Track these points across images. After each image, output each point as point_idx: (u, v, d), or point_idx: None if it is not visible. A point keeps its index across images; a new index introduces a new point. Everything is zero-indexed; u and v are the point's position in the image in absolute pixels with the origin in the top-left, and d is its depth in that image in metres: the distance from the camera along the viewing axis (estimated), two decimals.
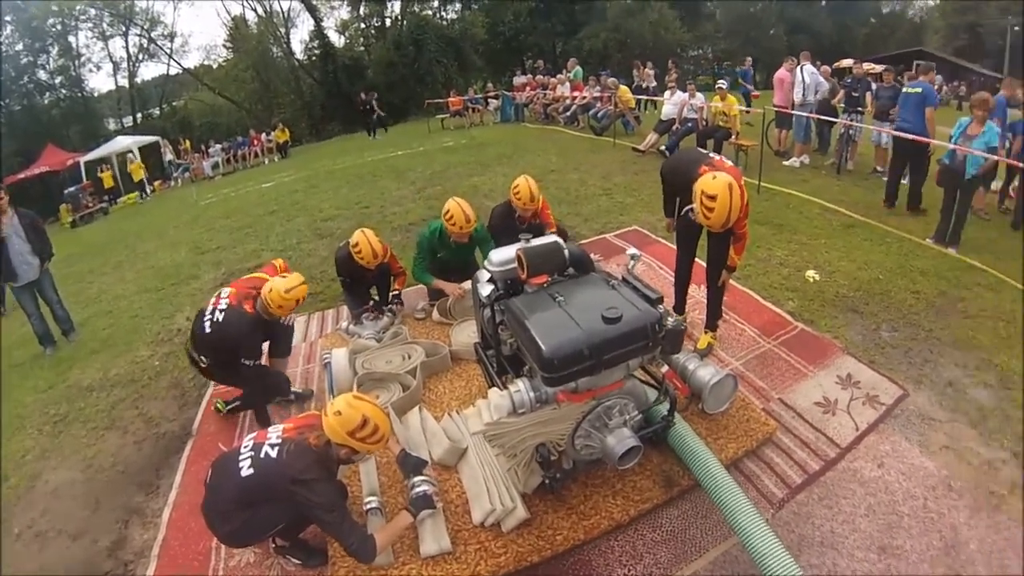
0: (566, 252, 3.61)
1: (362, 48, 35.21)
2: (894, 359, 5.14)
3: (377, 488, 3.76)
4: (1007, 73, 28.36)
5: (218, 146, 25.40)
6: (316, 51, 34.11)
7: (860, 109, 10.51)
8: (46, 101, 31.02)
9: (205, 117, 35.30)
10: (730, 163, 4.30)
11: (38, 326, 7.20)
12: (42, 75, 30.55)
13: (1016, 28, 35.15)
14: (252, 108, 34.62)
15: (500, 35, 33.56)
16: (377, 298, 6.04)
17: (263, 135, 24.97)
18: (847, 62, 16.56)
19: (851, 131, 10.53)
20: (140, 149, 24.60)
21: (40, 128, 28.71)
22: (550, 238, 3.81)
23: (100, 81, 35.55)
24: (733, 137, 10.86)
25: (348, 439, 2.99)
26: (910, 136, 8.09)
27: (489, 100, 21.27)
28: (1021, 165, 7.72)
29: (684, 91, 12.09)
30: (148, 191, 22.82)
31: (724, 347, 5.35)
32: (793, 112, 10.94)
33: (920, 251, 7.14)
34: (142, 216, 17.63)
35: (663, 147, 11.95)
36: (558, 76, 18.27)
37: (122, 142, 25.22)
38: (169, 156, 25.27)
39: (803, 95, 10.81)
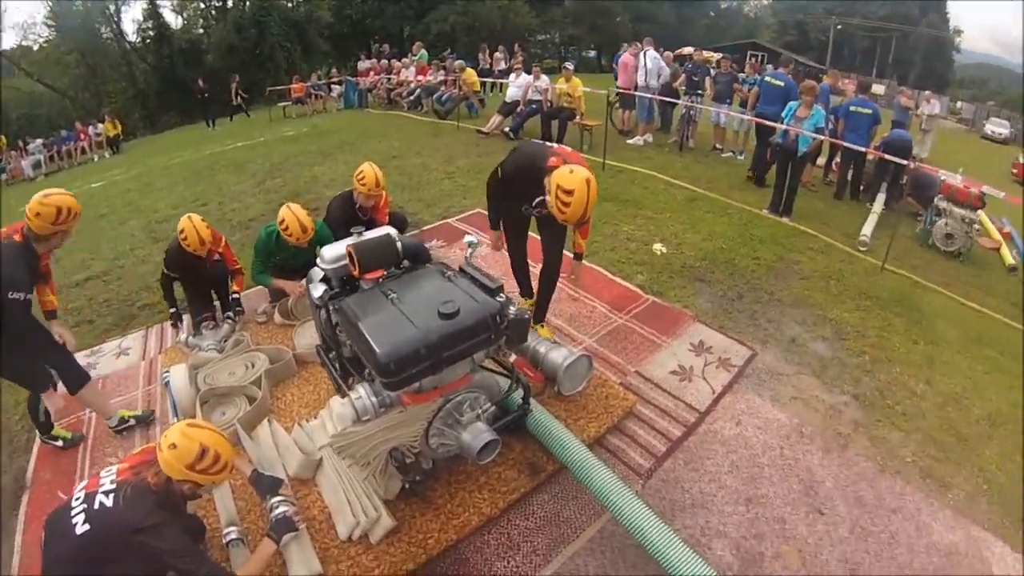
0: (399, 244, 3.38)
1: (201, 31, 32.18)
2: (741, 322, 5.19)
3: (235, 516, 3.34)
4: (829, 65, 31.06)
5: (39, 142, 21.83)
6: (150, 32, 30.48)
7: (700, 92, 10.86)
8: None
9: (22, 108, 29.64)
10: (571, 149, 4.03)
11: None
12: None
13: (839, 27, 38.71)
14: (78, 97, 30.34)
15: (347, 18, 32.03)
16: (217, 303, 5.46)
17: (90, 128, 21.89)
18: (688, 50, 17.22)
19: (691, 112, 10.87)
20: None
21: None
22: (382, 230, 3.57)
23: None
24: (577, 117, 10.77)
25: (189, 473, 2.60)
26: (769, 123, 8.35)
27: (332, 86, 20.24)
28: (844, 144, 8.31)
29: (529, 74, 11.88)
30: None
31: (576, 325, 5.13)
32: (636, 93, 11.06)
33: (758, 221, 7.30)
34: None
35: (507, 129, 11.72)
36: (403, 60, 17.62)
37: None
38: None
39: (646, 78, 10.91)
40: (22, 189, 18.34)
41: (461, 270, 3.32)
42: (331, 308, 3.30)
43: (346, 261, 3.34)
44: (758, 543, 3.24)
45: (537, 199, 3.81)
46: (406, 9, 33.06)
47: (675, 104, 11.41)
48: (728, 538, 3.27)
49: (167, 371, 4.53)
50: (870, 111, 8.51)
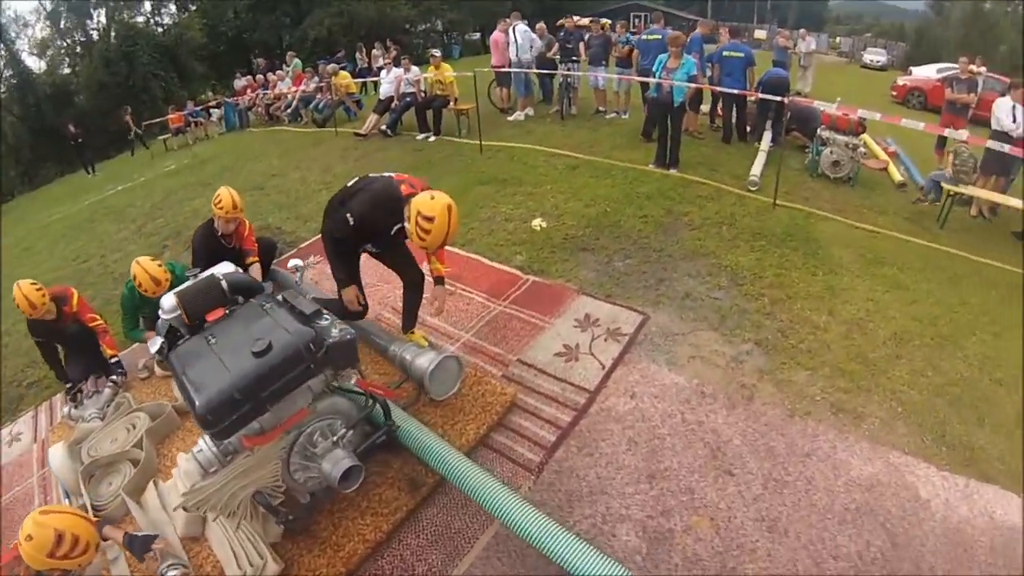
0: (224, 284, 3.24)
1: (68, 70, 29.69)
2: (630, 287, 4.84)
3: None
4: (712, 17, 31.31)
5: None
6: (12, 81, 28.05)
7: (575, 59, 10.49)
8: None
9: None
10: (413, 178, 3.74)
11: None
12: None
13: None
14: None
15: (222, 35, 30.31)
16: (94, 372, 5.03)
17: None
18: (578, 19, 16.82)
19: (569, 80, 10.52)
20: None
21: None
22: (209, 272, 3.42)
23: None
24: (452, 103, 10.30)
25: (51, 562, 2.50)
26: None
27: (211, 110, 19.18)
28: (720, 90, 8.25)
29: (399, 67, 11.33)
30: None
31: (453, 321, 4.73)
32: (511, 70, 10.63)
33: (644, 177, 6.97)
34: None
35: (383, 127, 11.20)
36: (277, 72, 16.73)
37: None
38: None
39: (517, 53, 10.49)
40: None
41: (282, 299, 3.12)
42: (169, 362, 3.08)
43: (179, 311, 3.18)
44: (666, 520, 3.02)
45: (396, 226, 3.60)
46: (281, 18, 31.56)
47: (554, 75, 11.04)
48: (632, 521, 3.03)
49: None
50: (742, 54, 8.40)
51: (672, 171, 7.11)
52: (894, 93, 18.07)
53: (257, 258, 5.34)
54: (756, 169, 6.97)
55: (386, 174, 3.76)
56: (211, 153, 15.19)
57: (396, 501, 3.24)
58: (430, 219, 3.23)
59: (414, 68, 10.99)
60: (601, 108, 10.62)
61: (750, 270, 4.95)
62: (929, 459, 3.21)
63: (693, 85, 7.21)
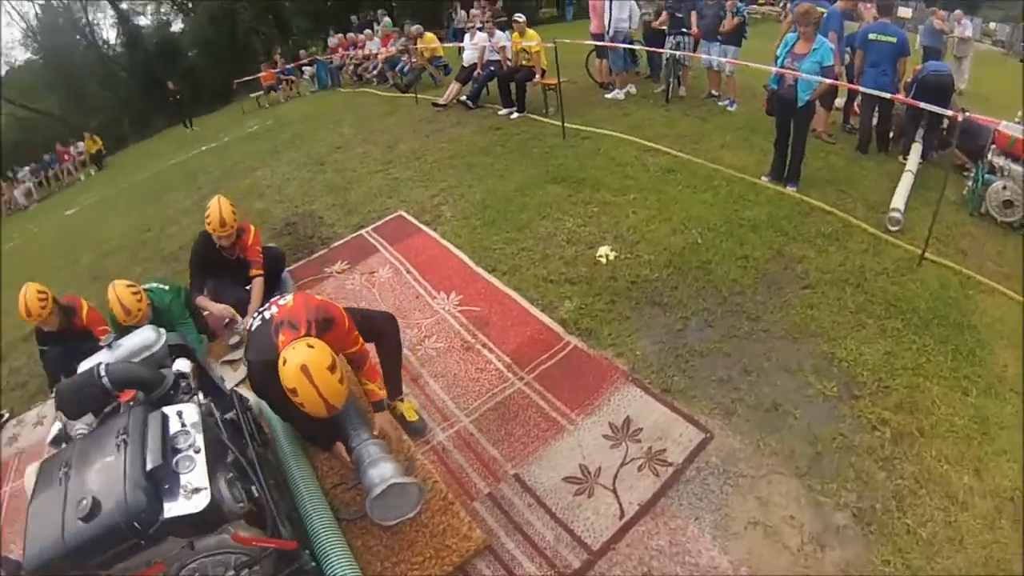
0: (104, 381, 2.63)
1: (179, 28, 30.58)
2: (700, 378, 3.49)
3: None
4: None
5: (26, 170, 21.39)
6: (123, 38, 29.36)
7: (685, 31, 8.76)
8: None
9: (15, 135, 29.28)
10: (291, 296, 3.02)
11: None
12: None
13: None
14: (66, 116, 28.82)
15: None
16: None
17: (71, 148, 21.46)
18: None
19: (678, 55, 8.79)
20: None
21: None
22: (91, 362, 2.95)
23: None
24: (538, 76, 8.91)
25: None
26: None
27: (303, 69, 18.65)
28: (860, 89, 6.28)
29: (502, 30, 10.11)
30: None
31: (457, 393, 3.69)
32: (604, 44, 9.06)
33: (753, 195, 5.47)
34: None
35: (464, 97, 10.04)
36: (366, 32, 15.87)
37: None
38: None
39: (611, 22, 8.98)
40: (19, 219, 18.49)
41: (143, 423, 2.38)
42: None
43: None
44: None
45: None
46: None
47: (657, 49, 9.31)
48: None
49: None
50: (894, 39, 6.38)
51: (790, 189, 5.55)
52: None
53: (261, 271, 4.89)
54: (899, 199, 5.22)
55: (271, 309, 2.97)
56: (293, 115, 14.76)
57: None
58: (293, 391, 2.51)
59: (499, 33, 9.68)
60: (715, 92, 8.82)
61: (874, 372, 3.45)
62: None
63: (826, 81, 5.45)
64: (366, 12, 22.38)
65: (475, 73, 9.98)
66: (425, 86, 12.39)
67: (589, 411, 3.34)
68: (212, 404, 2.85)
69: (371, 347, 3.31)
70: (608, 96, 9.31)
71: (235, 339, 4.73)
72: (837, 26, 6.78)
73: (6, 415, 5.38)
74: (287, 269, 5.79)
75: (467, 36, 10.83)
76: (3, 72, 29.90)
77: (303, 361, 2.46)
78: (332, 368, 2.49)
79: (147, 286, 4.59)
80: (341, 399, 2.56)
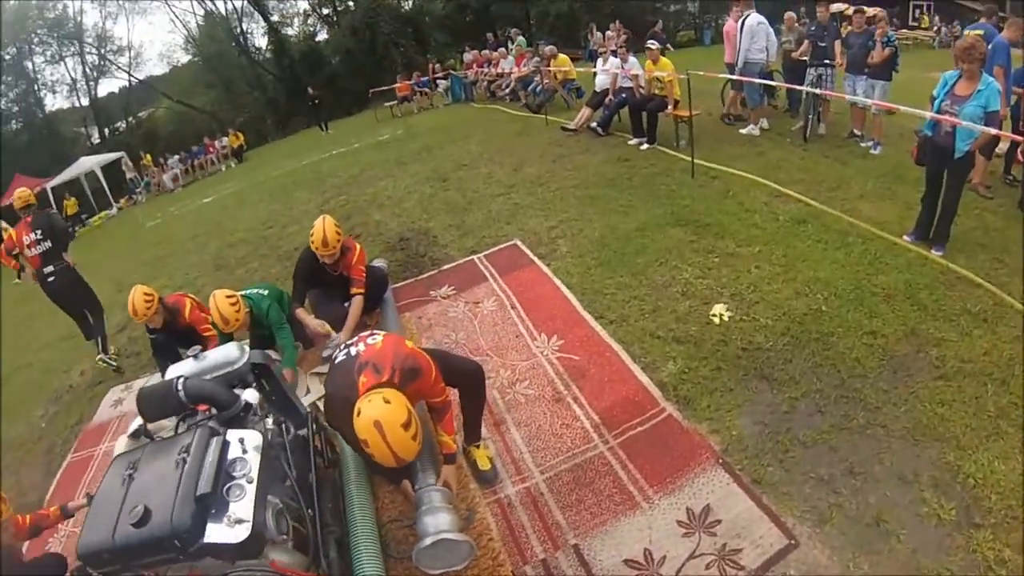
0: (181, 394, 2.78)
1: (321, 39, 33.25)
2: (798, 471, 3.16)
3: None
4: (1010, 11, 24.44)
5: (175, 157, 24.00)
6: (271, 47, 32.28)
7: (828, 62, 8.21)
8: (14, 129, 29.99)
9: (172, 125, 32.93)
10: (381, 337, 3.00)
11: None
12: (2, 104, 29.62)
13: None
14: (217, 111, 32.50)
15: (467, 7, 30.61)
16: None
17: (216, 142, 23.73)
18: (839, 6, 13.80)
19: (819, 89, 8.18)
20: (104, 168, 23.61)
21: (7, 158, 26.61)
22: (176, 369, 3.22)
23: (62, 101, 33.47)
24: (670, 107, 8.63)
25: None
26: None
27: (438, 82, 19.21)
28: None
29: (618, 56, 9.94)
30: (115, 209, 22.26)
31: (536, 447, 3.63)
32: (736, 78, 8.78)
33: (891, 256, 5.00)
34: (90, 247, 16.07)
35: (595, 123, 9.95)
36: (499, 50, 16.12)
37: (85, 163, 24.02)
38: (130, 174, 24.10)
39: (744, 52, 8.54)
40: (165, 200, 20.44)
41: (205, 443, 2.47)
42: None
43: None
44: None
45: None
46: None
47: (791, 82, 8.76)
48: None
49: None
50: None
51: (935, 253, 4.99)
52: None
53: (363, 290, 4.98)
54: None
55: (358, 346, 2.95)
56: (423, 127, 15.26)
57: None
58: (365, 442, 2.49)
59: (632, 59, 9.58)
60: (857, 132, 8.11)
61: (1004, 497, 2.85)
62: None
63: (990, 130, 4.73)
64: (503, 29, 22.79)
65: (607, 99, 9.87)
66: (556, 108, 12.46)
67: (669, 490, 3.12)
68: (283, 423, 3.02)
69: (454, 391, 3.30)
70: (742, 132, 8.89)
71: (328, 352, 4.83)
72: (1004, 60, 6.04)
73: (114, 363, 6.28)
74: (392, 286, 5.93)
75: (599, 61, 10.73)
76: (167, 71, 34.16)
77: (378, 417, 2.43)
78: (407, 425, 2.45)
79: (247, 292, 4.85)
80: (412, 454, 2.53)
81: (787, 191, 6.39)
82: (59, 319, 8.21)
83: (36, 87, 30.96)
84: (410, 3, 31.33)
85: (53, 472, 5.25)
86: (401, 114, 18.79)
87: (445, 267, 6.32)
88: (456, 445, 3.29)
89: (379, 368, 2.72)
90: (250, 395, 2.93)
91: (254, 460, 2.49)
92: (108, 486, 2.44)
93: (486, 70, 16.11)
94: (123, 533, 2.21)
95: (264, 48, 33.51)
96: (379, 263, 6.40)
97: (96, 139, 32.56)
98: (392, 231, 7.77)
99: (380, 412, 2.44)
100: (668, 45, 16.62)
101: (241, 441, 2.54)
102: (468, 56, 18.39)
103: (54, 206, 20.45)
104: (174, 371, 3.16)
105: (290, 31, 33.49)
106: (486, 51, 17.29)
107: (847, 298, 4.43)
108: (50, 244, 6.54)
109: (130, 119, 34.24)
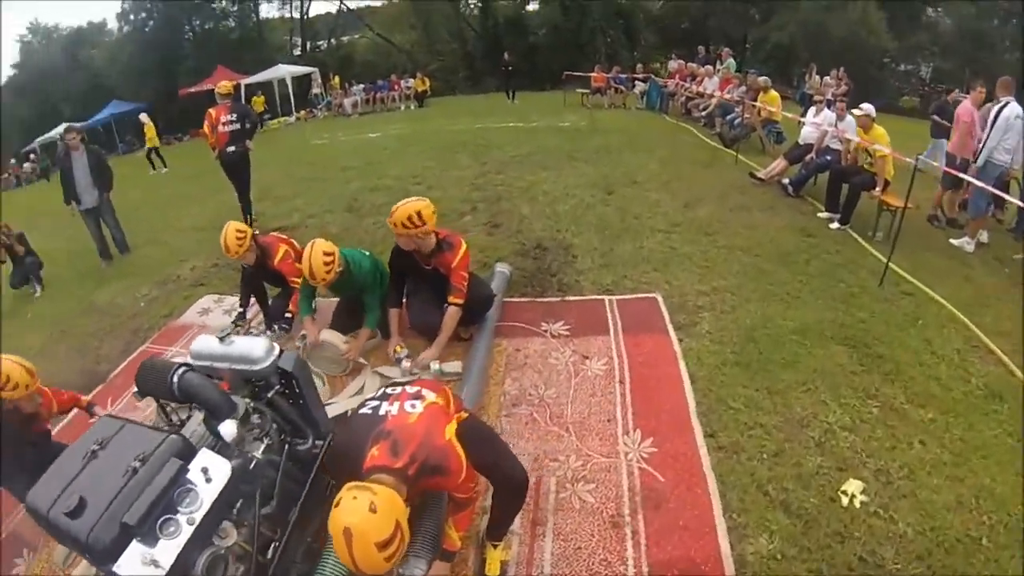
0: (174, 387, 2.68)
1: (531, 7, 33.70)
2: None
3: None
4: None
5: (359, 86, 26.11)
6: (479, 3, 33.19)
7: None
8: (229, 25, 34.78)
9: (369, 56, 35.64)
10: (422, 408, 2.60)
11: (97, 244, 8.77)
12: (223, 4, 34.38)
13: None
14: (413, 52, 34.17)
15: (685, 11, 29.30)
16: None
17: (402, 82, 25.16)
18: None
19: None
20: (294, 78, 26.83)
21: (215, 50, 31.36)
22: (194, 345, 3.05)
23: (275, 12, 37.88)
24: (878, 188, 7.26)
25: None
26: None
27: (636, 83, 18.39)
28: None
29: (832, 109, 8.77)
30: (294, 118, 25.09)
31: (564, 571, 3.05)
32: (962, 175, 7.04)
33: None
34: (259, 146, 17.42)
35: (787, 180, 8.84)
36: (706, 67, 15.02)
37: (280, 70, 27.16)
38: (316, 89, 26.98)
39: (987, 148, 7.05)
40: (340, 123, 22.19)
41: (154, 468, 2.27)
42: None
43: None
44: None
45: None
46: (751, 11, 28.88)
47: None
48: None
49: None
50: None
51: None
52: None
53: (461, 300, 4.53)
54: None
55: (390, 406, 2.60)
56: (608, 125, 14.67)
57: None
58: (334, 538, 2.05)
59: (850, 118, 8.12)
60: None
61: None
62: None
63: None
64: (716, 46, 21.49)
65: (808, 156, 8.73)
66: (750, 147, 11.35)
67: None
68: (289, 441, 2.87)
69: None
70: (953, 242, 7.37)
71: (400, 361, 4.61)
72: None
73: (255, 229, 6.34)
74: (506, 299, 5.50)
75: (812, 110, 9.56)
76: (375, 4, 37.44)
77: (350, 524, 1.97)
78: (383, 545, 1.98)
79: (349, 251, 4.78)
80: (380, 571, 2.04)
81: (989, 343, 5.07)
82: (201, 209, 10.53)
83: None
84: None
85: (129, 352, 5.83)
86: (591, 105, 18.27)
87: (571, 298, 5.73)
88: (460, 544, 2.88)
89: (397, 450, 2.33)
90: (225, 429, 2.57)
91: (208, 498, 2.25)
92: (74, 451, 2.40)
93: (688, 85, 15.11)
94: (56, 512, 2.17)
95: (473, 3, 34.64)
96: (502, 269, 5.92)
97: (297, 52, 36.07)
98: (533, 233, 7.28)
99: (357, 520, 1.98)
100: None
101: (204, 471, 2.30)
102: (673, 64, 17.60)
103: (243, 100, 22.30)
104: (198, 345, 3.01)
105: None
106: (693, 64, 16.31)
107: (1020, 538, 3.29)
108: (239, 127, 8.46)
109: (332, 40, 37.64)
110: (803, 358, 4.74)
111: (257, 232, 5.39)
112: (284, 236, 5.78)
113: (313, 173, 12.30)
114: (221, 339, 2.94)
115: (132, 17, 33.23)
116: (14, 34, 51.61)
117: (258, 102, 24.00)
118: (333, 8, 37.32)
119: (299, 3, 35.28)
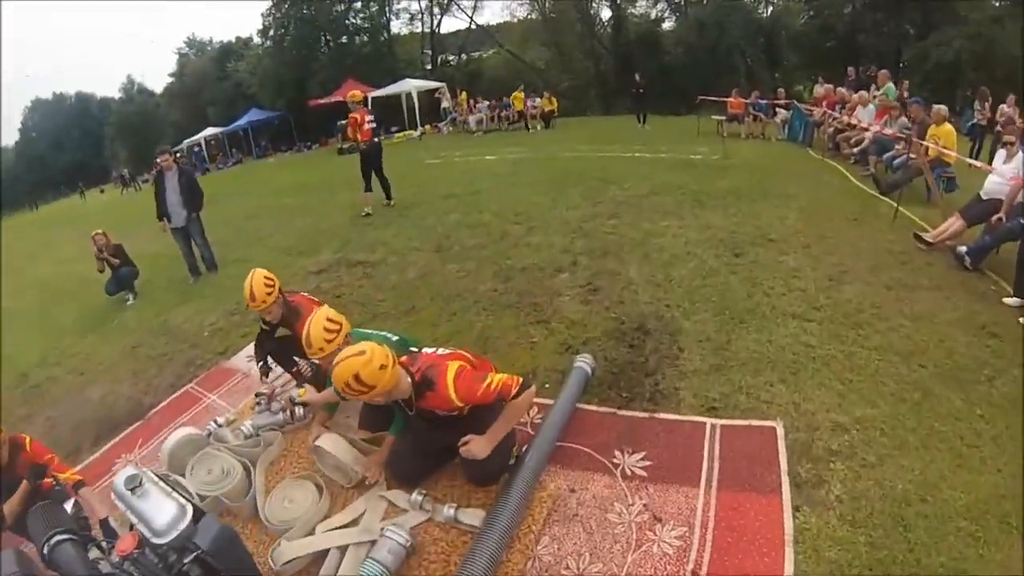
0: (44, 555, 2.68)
1: (666, 25, 33.01)
2: None
3: None
4: None
5: (485, 104, 26.24)
6: (612, 21, 32.85)
7: None
8: (359, 41, 37.37)
9: (498, 72, 36.39)
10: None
11: (187, 260, 9.09)
12: (356, 20, 37.47)
13: None
14: (545, 71, 34.29)
15: (831, 30, 26.66)
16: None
17: (528, 100, 24.45)
18: None
19: None
20: (421, 93, 27.92)
21: (347, 64, 34.16)
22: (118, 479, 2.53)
23: (405, 28, 40.93)
24: None
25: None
26: None
27: (778, 109, 16.57)
28: None
29: None
30: (419, 133, 26.02)
31: None
32: None
33: None
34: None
35: (963, 249, 6.64)
36: (860, 93, 12.98)
37: (408, 84, 28.42)
38: (445, 104, 27.41)
39: None
40: (463, 139, 22.85)
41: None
42: None
43: None
44: None
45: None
46: (905, 26, 25.51)
47: None
48: None
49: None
50: None
51: None
52: None
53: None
54: None
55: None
56: (744, 159, 13.04)
57: None
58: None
59: None
60: None
61: None
62: None
63: None
64: (866, 67, 19.03)
65: (994, 218, 6.71)
66: (914, 194, 9.13)
67: None
68: None
69: None
70: None
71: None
72: None
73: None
74: (581, 403, 4.42)
75: (1000, 153, 7.44)
76: (505, 21, 38.63)
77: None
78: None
79: (372, 333, 4.09)
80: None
81: None
82: (298, 225, 11.37)
83: (387, 10, 37.90)
84: (768, 11, 28.36)
85: (176, 387, 5.79)
86: (726, 134, 16.62)
87: (662, 415, 4.21)
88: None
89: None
90: None
91: None
92: None
93: (836, 114, 13.18)
94: None
95: (606, 21, 34.60)
96: (582, 363, 4.69)
97: (428, 66, 38.32)
98: (637, 307, 5.90)
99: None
100: None
101: None
102: (820, 89, 15.61)
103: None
104: (119, 481, 2.45)
105: (634, 11, 34.00)
106: (843, 89, 14.27)
107: None
108: (376, 125, 10.87)
109: (462, 55, 39.62)
110: (972, 561, 3.00)
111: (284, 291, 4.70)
112: (317, 299, 4.94)
113: (414, 198, 12.12)
114: (131, 489, 2.38)
115: (272, 33, 37.45)
116: (172, 47, 61.49)
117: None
118: (464, 24, 39.41)
119: (429, 19, 37.79)
